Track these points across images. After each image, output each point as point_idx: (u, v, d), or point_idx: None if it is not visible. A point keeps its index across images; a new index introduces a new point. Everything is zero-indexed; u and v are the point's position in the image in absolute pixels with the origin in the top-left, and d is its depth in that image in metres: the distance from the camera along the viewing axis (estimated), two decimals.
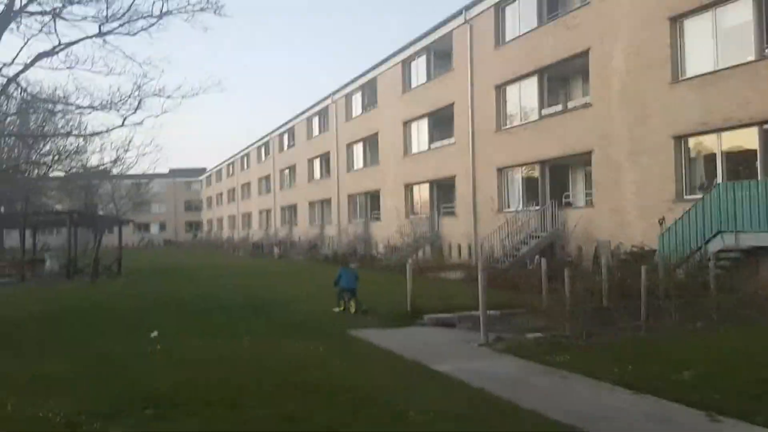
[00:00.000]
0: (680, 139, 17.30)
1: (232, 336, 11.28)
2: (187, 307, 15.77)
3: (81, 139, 19.72)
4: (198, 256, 48.65)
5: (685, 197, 16.97)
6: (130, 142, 25.99)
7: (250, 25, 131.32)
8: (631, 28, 18.81)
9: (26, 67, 13.78)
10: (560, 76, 23.26)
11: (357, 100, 39.06)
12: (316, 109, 45.77)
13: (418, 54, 31.01)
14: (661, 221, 17.08)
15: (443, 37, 28.39)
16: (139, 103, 14.38)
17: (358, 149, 38.97)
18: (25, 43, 13.22)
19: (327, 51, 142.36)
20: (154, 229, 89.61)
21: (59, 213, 27.17)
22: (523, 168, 23.86)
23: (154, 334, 11.21)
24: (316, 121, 46.78)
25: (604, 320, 11.26)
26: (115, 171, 24.14)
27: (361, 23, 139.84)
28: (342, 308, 14.50)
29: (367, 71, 36.46)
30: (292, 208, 51.75)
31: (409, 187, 32.33)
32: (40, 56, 13.81)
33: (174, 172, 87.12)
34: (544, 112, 22.61)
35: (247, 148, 66.40)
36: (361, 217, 38.18)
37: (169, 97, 14.75)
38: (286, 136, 54.14)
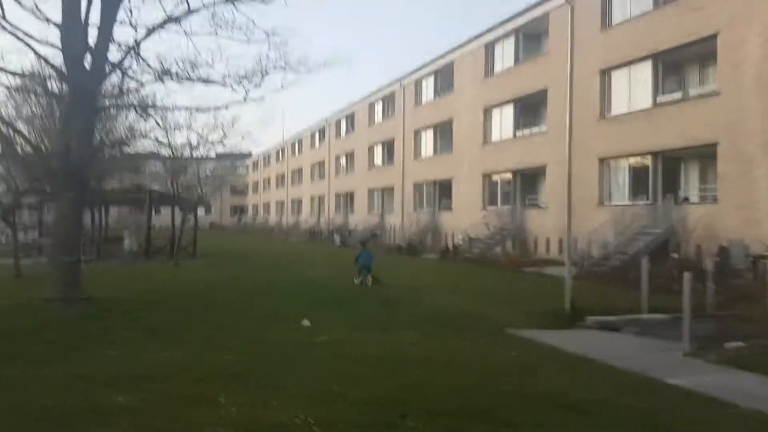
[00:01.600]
0: None
1: (385, 329, 10.33)
2: (305, 294, 14.76)
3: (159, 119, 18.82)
4: (254, 241, 48.20)
5: None
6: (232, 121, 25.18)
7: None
8: None
9: (150, 31, 12.88)
10: (675, 62, 21.71)
11: (429, 84, 37.71)
12: (381, 94, 44.57)
13: (504, 36, 29.55)
14: None
15: (537, 18, 26.93)
16: (263, 77, 13.36)
17: (428, 136, 37.70)
18: (166, 12, 12.23)
19: (385, 38, 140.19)
20: (200, 211, 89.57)
21: (139, 191, 26.60)
22: (630, 159, 22.40)
23: (306, 323, 10.28)
24: (379, 106, 45.57)
25: None
26: (200, 151, 23.38)
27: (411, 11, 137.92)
28: (360, 282, 16.79)
29: (443, 55, 35.05)
30: (348, 196, 50.79)
31: (487, 177, 31.02)
32: (167, 21, 12.90)
33: (219, 156, 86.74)
34: (660, 99, 21.10)
35: (299, 133, 65.63)
36: (427, 207, 37.01)
37: (294, 71, 13.63)
38: (344, 122, 53.09)
